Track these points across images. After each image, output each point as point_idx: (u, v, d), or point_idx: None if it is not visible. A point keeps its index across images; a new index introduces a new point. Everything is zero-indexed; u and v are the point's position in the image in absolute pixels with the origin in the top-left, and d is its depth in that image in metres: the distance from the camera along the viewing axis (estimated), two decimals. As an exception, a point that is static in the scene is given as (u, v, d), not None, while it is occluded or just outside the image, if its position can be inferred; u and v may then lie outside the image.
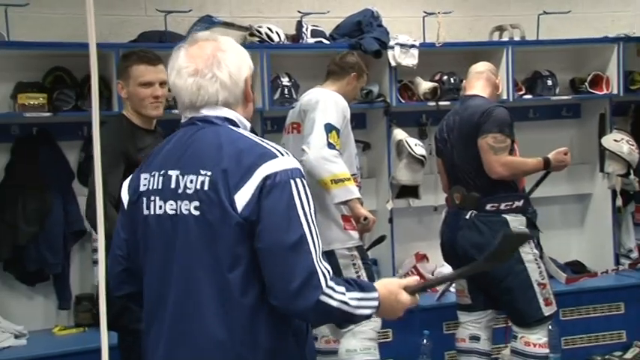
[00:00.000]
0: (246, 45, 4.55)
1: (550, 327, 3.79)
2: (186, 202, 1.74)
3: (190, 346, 1.75)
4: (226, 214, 1.69)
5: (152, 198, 1.81)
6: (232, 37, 4.98)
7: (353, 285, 1.77)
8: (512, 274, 3.55)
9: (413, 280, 1.92)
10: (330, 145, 3.37)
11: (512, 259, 3.53)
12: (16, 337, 4.02)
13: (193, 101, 1.82)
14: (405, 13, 5.08)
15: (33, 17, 4.21)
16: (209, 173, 1.72)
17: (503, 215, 3.57)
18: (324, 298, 1.68)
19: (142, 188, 1.84)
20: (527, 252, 3.58)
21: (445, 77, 4.83)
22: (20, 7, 4.05)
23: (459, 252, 3.65)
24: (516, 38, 5.03)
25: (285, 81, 4.50)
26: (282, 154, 1.75)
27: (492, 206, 3.57)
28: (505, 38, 5.08)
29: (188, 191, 1.74)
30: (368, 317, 1.81)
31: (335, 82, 3.72)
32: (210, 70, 1.79)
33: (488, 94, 3.75)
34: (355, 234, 3.56)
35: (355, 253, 3.55)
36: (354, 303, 1.74)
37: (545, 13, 5.08)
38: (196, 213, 1.73)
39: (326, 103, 3.49)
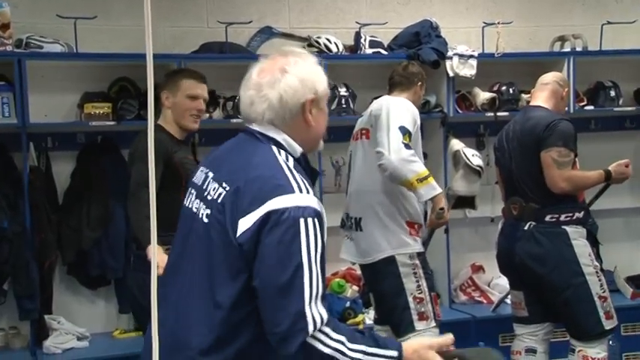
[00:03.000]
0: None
1: (610, 342, 3.72)
2: (204, 206, 1.79)
3: (169, 340, 1.75)
4: (226, 234, 1.69)
5: (192, 191, 1.89)
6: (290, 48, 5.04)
7: (365, 338, 1.71)
8: (572, 286, 3.50)
9: (444, 340, 1.81)
10: (407, 146, 3.40)
11: (572, 272, 3.50)
12: (79, 339, 4.15)
13: (245, 114, 1.85)
14: (464, 23, 5.07)
15: (100, 29, 4.36)
16: (227, 188, 1.74)
17: (563, 227, 3.53)
18: (312, 341, 1.64)
19: (193, 180, 1.92)
20: (588, 264, 3.52)
21: (504, 88, 4.80)
22: (88, 19, 4.21)
23: (517, 263, 3.62)
24: (578, 48, 4.96)
25: (343, 91, 4.55)
26: (301, 191, 1.69)
27: (552, 217, 3.54)
28: (567, 49, 5.02)
29: (209, 197, 1.78)
30: None
31: (402, 92, 3.72)
32: (266, 87, 1.79)
33: (552, 105, 3.70)
34: (418, 241, 3.58)
35: (417, 262, 3.55)
36: (356, 355, 1.67)
37: (608, 23, 5.00)
38: (206, 220, 1.77)
39: (398, 107, 3.53)
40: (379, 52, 4.69)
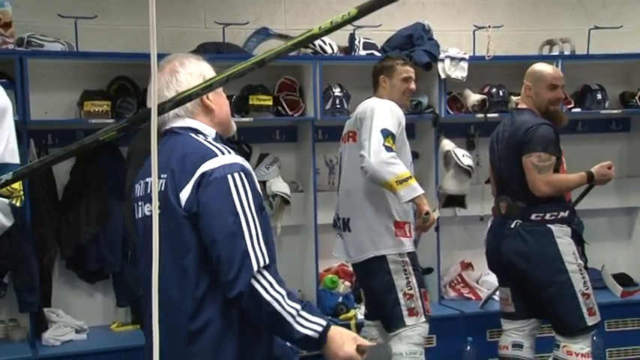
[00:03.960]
0: (299, 56, 4.64)
1: (594, 338, 3.74)
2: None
3: (166, 331, 1.86)
4: (175, 211, 1.86)
5: (139, 203, 2.04)
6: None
7: (303, 303, 1.83)
8: (555, 283, 3.52)
9: (367, 342, 1.94)
10: (388, 148, 3.39)
11: (556, 269, 3.50)
12: (77, 331, 4.15)
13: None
14: (456, 27, 5.08)
15: (100, 29, 4.36)
16: (165, 176, 1.90)
17: (549, 225, 3.54)
18: (256, 284, 1.78)
19: (134, 196, 2.08)
20: (572, 262, 3.54)
21: (494, 90, 4.81)
22: (88, 19, 4.19)
23: (504, 260, 3.64)
24: (566, 52, 4.98)
25: (337, 91, 4.55)
26: (224, 153, 1.88)
27: (537, 216, 3.55)
28: (555, 52, 5.03)
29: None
30: (307, 342, 1.82)
31: (377, 92, 3.74)
32: (163, 90, 1.96)
33: (532, 104, 3.66)
34: (407, 241, 3.57)
35: (406, 259, 3.56)
36: (291, 310, 1.80)
37: (596, 27, 5.01)
38: (159, 211, 1.90)
39: (381, 110, 3.51)
40: (373, 53, 4.69)
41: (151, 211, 1.95)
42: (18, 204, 2.08)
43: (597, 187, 3.87)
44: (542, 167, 3.49)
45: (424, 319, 3.56)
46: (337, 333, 1.84)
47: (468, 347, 4.26)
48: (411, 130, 4.84)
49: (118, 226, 4.23)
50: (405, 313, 3.51)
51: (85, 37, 4.24)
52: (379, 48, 4.76)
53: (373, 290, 3.66)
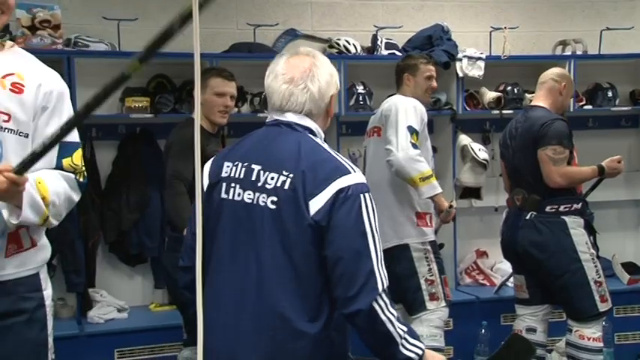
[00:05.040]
0: (325, 55, 4.62)
1: (604, 323, 3.70)
2: (264, 195, 1.80)
3: (253, 318, 1.80)
4: (300, 215, 1.75)
5: (232, 185, 1.86)
6: (313, 48, 5.04)
7: (407, 326, 1.82)
8: (569, 272, 3.48)
9: None
10: (414, 146, 3.39)
11: (569, 258, 3.46)
12: (119, 310, 4.19)
13: (283, 105, 1.88)
14: (473, 28, 5.03)
15: (141, 30, 4.36)
16: (291, 175, 1.78)
17: (562, 217, 3.51)
18: (375, 304, 1.73)
19: (224, 174, 1.88)
20: (584, 251, 3.50)
21: (509, 88, 4.76)
22: (130, 21, 4.22)
23: (519, 250, 3.61)
24: (579, 52, 4.91)
25: (360, 89, 4.53)
26: (355, 171, 1.81)
27: (552, 208, 3.51)
28: (568, 52, 4.97)
29: (267, 186, 1.80)
30: None
31: (400, 89, 3.73)
32: (304, 81, 1.86)
33: (551, 102, 3.65)
34: (428, 230, 3.58)
35: (428, 247, 3.56)
36: (400, 332, 1.77)
37: (607, 28, 4.93)
38: (272, 207, 1.79)
39: (406, 108, 3.50)
40: (394, 53, 4.66)
41: (251, 198, 1.81)
42: (81, 179, 2.01)
43: (607, 180, 3.83)
44: (557, 159, 3.45)
45: (444, 304, 3.55)
46: (431, 356, 1.85)
47: (483, 331, 4.24)
48: (430, 126, 4.79)
49: (156, 214, 4.27)
50: (426, 298, 3.51)
51: (126, 38, 4.26)
52: (400, 48, 4.73)
53: (396, 276, 3.63)
